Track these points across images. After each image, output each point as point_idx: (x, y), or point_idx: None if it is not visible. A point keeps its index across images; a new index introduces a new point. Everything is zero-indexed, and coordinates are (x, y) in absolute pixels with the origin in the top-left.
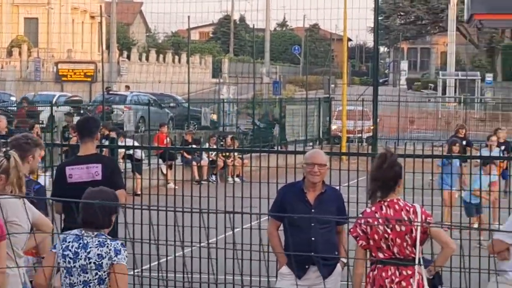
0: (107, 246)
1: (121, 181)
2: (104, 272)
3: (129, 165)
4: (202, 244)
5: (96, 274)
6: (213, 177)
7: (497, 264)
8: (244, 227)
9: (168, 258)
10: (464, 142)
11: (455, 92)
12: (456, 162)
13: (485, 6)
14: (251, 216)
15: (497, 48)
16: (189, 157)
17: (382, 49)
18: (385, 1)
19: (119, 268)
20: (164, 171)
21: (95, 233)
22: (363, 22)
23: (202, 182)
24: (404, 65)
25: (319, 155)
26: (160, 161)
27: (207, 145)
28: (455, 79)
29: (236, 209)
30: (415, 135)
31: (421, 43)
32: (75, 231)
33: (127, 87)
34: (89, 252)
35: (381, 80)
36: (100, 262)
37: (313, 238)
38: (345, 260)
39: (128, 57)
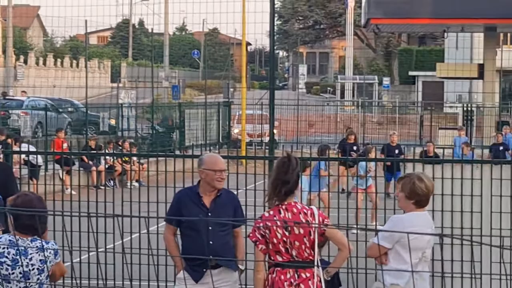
0: (47, 250)
1: (15, 187)
2: (46, 276)
3: (25, 171)
4: (91, 249)
5: (38, 279)
6: (112, 182)
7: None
8: (143, 232)
9: None
10: (354, 147)
11: (353, 95)
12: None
13: (382, 11)
14: (148, 221)
15: (394, 52)
16: (91, 162)
17: (281, 53)
18: (283, 5)
19: (58, 265)
20: (62, 177)
21: (30, 238)
22: (262, 27)
23: (101, 187)
24: (303, 69)
25: (220, 161)
26: (57, 166)
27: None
28: (353, 83)
29: (134, 214)
30: (314, 138)
31: (320, 48)
32: (6, 236)
33: (24, 92)
34: (30, 259)
35: (280, 84)
36: (43, 267)
37: (211, 242)
38: (242, 267)
39: (25, 62)
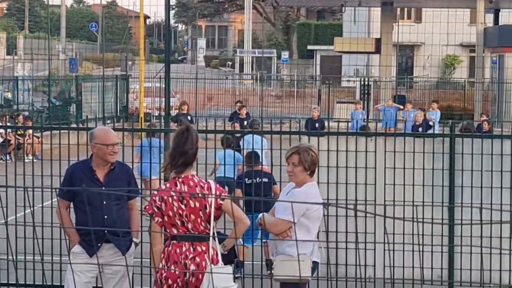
0: None
1: None
2: None
3: None
4: None
5: None
6: (6, 156)
7: (278, 244)
8: (37, 206)
9: None
10: (245, 122)
11: (252, 69)
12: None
13: None
14: (42, 194)
15: (292, 27)
16: None
17: (180, 26)
18: None
19: None
20: None
21: None
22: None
23: None
24: (202, 42)
25: (112, 134)
26: None
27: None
28: (252, 57)
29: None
30: (213, 112)
31: (219, 21)
32: None
33: None
34: None
35: (179, 58)
36: None
37: (105, 216)
38: (137, 240)
39: None
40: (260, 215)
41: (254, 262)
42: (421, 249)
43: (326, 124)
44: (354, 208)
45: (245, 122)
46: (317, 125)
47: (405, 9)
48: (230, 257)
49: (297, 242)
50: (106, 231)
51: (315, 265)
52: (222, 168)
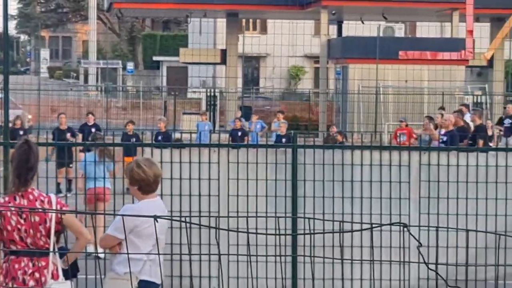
0: None
1: None
2: None
3: None
4: None
5: None
6: None
7: (111, 260)
8: None
9: None
10: (93, 130)
11: (97, 80)
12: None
13: None
14: None
15: (138, 37)
16: None
17: (22, 37)
18: None
19: None
20: None
21: None
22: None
23: None
24: (45, 53)
25: None
26: None
27: None
28: (97, 68)
29: None
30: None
31: (63, 32)
32: None
33: None
34: None
35: (22, 69)
36: None
37: None
38: None
39: None
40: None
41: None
42: (264, 260)
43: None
44: (186, 221)
45: (93, 130)
46: (160, 137)
47: (250, 20)
48: (72, 272)
49: (124, 260)
50: None
51: (146, 284)
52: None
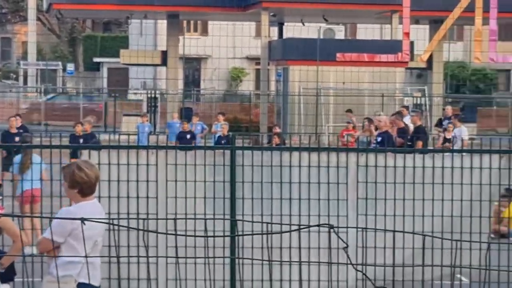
0: None
1: None
2: None
3: None
4: None
5: None
6: None
7: (48, 263)
8: None
9: None
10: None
11: (36, 82)
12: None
13: None
14: None
15: (78, 39)
16: None
17: None
18: None
19: None
20: None
21: None
22: None
23: None
24: None
25: None
26: None
27: None
28: (37, 69)
29: None
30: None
31: (2, 33)
32: None
33: None
34: None
35: None
36: None
37: None
38: None
39: None
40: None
41: None
42: (204, 262)
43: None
44: (115, 223)
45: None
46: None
47: (192, 22)
48: (9, 275)
49: (62, 263)
50: None
51: (85, 287)
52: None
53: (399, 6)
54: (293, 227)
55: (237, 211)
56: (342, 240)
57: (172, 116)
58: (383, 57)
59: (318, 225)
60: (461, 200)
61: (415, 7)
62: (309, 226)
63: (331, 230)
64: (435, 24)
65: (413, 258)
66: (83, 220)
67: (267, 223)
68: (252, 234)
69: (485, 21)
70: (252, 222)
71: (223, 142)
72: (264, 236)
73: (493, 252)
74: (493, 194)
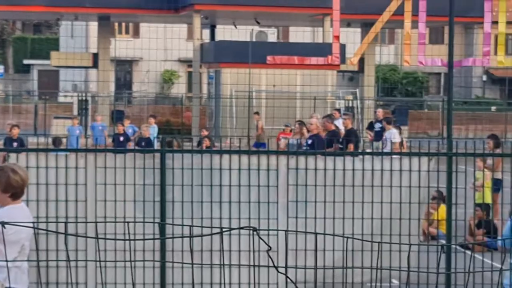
0: None
1: None
2: None
3: None
4: None
5: None
6: None
7: None
8: None
9: None
10: None
11: None
12: None
13: None
14: None
15: (8, 40)
16: None
17: None
18: None
19: None
20: None
21: None
22: None
23: None
24: None
25: None
26: None
27: None
28: None
29: None
30: None
31: None
32: None
33: None
34: None
35: None
36: None
37: None
38: None
39: None
40: None
41: None
42: (130, 265)
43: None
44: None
45: None
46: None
47: (123, 24)
48: None
49: None
50: None
51: None
52: None
53: (331, 10)
54: (217, 230)
55: (167, 214)
56: (265, 243)
57: (95, 119)
58: (313, 60)
59: (239, 228)
60: (391, 203)
61: (347, 10)
62: (230, 229)
63: (254, 232)
64: (367, 27)
65: (343, 261)
66: (3, 223)
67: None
68: (172, 238)
69: (415, 25)
70: (173, 225)
71: (143, 144)
72: (194, 239)
73: (424, 254)
74: (423, 197)
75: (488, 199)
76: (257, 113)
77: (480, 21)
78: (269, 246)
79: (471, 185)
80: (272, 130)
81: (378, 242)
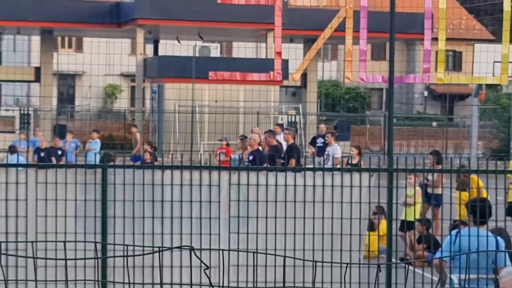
0: None
1: None
2: None
3: None
4: None
5: None
6: None
7: None
8: None
9: None
10: None
11: None
12: None
13: None
14: None
15: None
16: None
17: None
18: None
19: None
20: None
21: None
22: None
23: None
24: None
25: None
26: None
27: None
28: None
29: None
30: None
31: None
32: None
33: None
34: None
35: None
36: None
37: None
38: None
39: None
40: None
41: None
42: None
43: None
44: None
45: None
46: None
47: (66, 38)
48: None
49: None
50: None
51: None
52: None
53: (273, 25)
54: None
55: (109, 230)
56: (202, 262)
57: (36, 134)
58: (255, 76)
59: (176, 247)
60: (332, 218)
61: (289, 26)
62: (171, 248)
63: (192, 251)
64: (309, 43)
65: (283, 278)
66: None
67: (128, 245)
68: (114, 257)
69: (357, 41)
70: (114, 244)
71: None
72: (136, 256)
73: (365, 270)
74: (365, 212)
75: (416, 216)
76: (134, 125)
77: (421, 37)
78: (206, 265)
79: (402, 201)
80: (215, 145)
81: (312, 261)
